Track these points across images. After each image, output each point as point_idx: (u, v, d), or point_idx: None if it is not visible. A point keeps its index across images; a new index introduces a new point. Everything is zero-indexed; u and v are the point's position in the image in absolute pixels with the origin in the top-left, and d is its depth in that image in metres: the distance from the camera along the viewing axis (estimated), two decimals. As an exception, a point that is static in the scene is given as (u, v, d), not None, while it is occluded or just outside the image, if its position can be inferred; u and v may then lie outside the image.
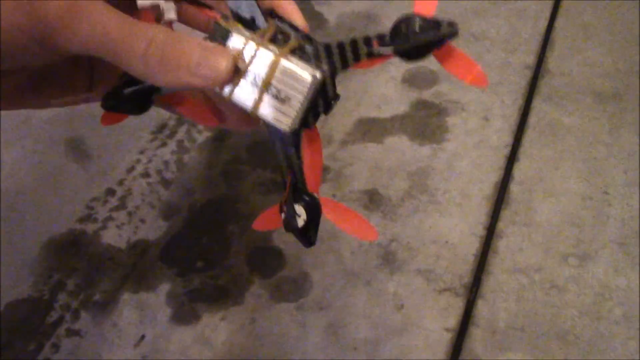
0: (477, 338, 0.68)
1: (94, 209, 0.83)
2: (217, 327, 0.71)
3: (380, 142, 0.86)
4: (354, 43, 0.35)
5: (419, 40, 0.34)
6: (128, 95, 0.36)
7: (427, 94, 0.91)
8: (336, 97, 0.36)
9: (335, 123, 0.89)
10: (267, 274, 0.75)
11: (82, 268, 0.77)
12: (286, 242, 0.77)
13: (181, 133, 0.90)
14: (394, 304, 0.71)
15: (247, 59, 0.34)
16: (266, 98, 0.34)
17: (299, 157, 0.38)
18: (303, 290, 0.73)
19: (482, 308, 0.70)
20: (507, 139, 0.85)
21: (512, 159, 0.83)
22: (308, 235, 0.39)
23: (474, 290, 0.72)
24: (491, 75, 0.92)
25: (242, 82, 0.34)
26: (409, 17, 0.34)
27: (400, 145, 0.86)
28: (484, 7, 1.02)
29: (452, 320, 0.70)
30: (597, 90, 0.90)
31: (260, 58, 0.34)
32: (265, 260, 0.76)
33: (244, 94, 0.34)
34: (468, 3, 1.02)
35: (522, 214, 0.78)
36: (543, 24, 0.99)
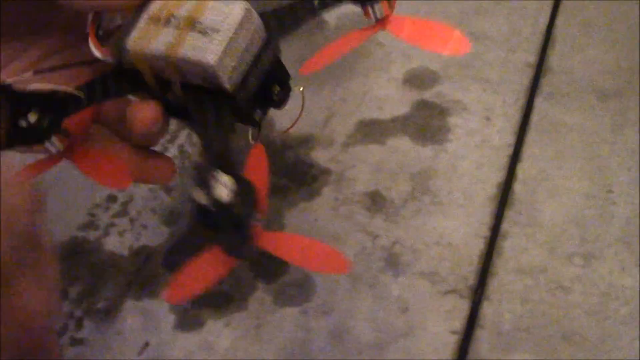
0: (483, 340, 0.68)
1: (95, 216, 0.82)
2: (221, 333, 0.71)
3: (382, 143, 0.86)
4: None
5: None
6: (25, 127, 0.32)
7: (428, 94, 0.91)
8: (287, 80, 0.33)
9: (337, 125, 0.88)
10: (271, 279, 0.75)
11: (85, 276, 0.77)
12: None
13: (182, 137, 0.90)
14: (398, 307, 0.71)
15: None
16: (188, 37, 0.30)
17: (227, 145, 0.32)
18: (307, 294, 0.73)
19: (487, 310, 0.70)
20: (510, 138, 0.85)
21: (514, 158, 0.82)
22: (240, 219, 0.30)
23: (478, 291, 0.71)
24: (492, 74, 0.92)
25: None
26: None
27: (402, 147, 0.85)
28: (484, 6, 1.01)
29: (458, 323, 0.69)
30: (599, 88, 0.89)
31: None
32: (269, 264, 0.76)
33: (161, 37, 0.31)
34: (468, 2, 1.02)
35: (526, 214, 0.77)
36: (544, 21, 0.98)
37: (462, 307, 0.70)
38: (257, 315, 0.72)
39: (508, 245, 0.74)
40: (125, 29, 0.32)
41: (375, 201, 0.80)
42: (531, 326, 0.68)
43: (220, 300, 0.73)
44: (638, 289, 0.70)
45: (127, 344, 0.71)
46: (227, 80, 0.30)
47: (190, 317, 0.73)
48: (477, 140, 0.85)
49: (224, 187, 0.29)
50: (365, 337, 0.69)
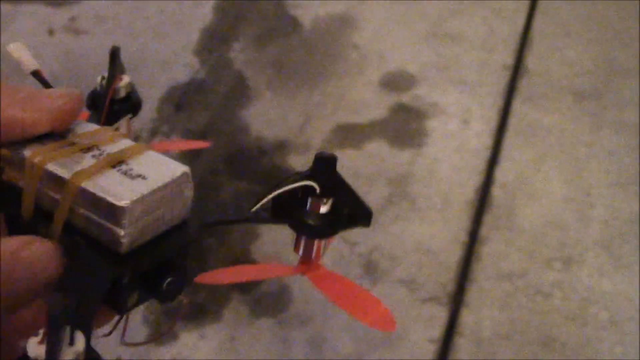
0: (462, 348, 0.67)
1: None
2: (196, 346, 0.69)
3: (359, 148, 0.85)
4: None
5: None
6: None
7: (405, 98, 0.90)
8: (183, 277, 0.26)
9: (313, 130, 0.87)
10: (246, 289, 0.73)
11: (55, 289, 0.75)
12: (265, 255, 0.75)
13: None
14: (376, 316, 0.70)
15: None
16: (105, 171, 0.25)
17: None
18: (283, 304, 0.71)
19: (466, 317, 0.69)
20: (488, 141, 0.84)
21: (493, 162, 0.82)
22: None
23: (457, 298, 0.70)
24: (470, 76, 0.91)
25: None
26: None
27: (379, 151, 0.84)
28: (461, 7, 1.01)
29: (437, 331, 0.68)
30: (576, 89, 0.89)
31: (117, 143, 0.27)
32: (244, 274, 0.74)
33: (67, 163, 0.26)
34: (444, 3, 1.01)
35: (505, 218, 0.76)
36: (521, 22, 0.98)
37: (441, 314, 0.69)
38: (233, 327, 0.70)
39: (487, 251, 0.74)
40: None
41: (353, 207, 0.79)
42: (511, 333, 0.67)
43: (194, 312, 0.72)
44: (617, 294, 0.69)
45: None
46: (127, 235, 0.24)
47: (164, 330, 0.71)
48: (455, 144, 0.84)
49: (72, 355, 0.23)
50: (343, 348, 0.68)
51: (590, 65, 0.91)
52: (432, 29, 0.97)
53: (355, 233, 0.76)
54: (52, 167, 0.25)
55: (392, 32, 0.98)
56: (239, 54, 0.98)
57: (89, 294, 0.24)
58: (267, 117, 0.90)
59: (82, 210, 0.25)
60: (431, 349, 0.67)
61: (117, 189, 0.24)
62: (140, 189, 0.25)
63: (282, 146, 0.86)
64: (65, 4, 1.06)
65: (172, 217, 0.26)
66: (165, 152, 0.28)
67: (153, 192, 0.25)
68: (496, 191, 0.79)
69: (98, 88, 0.37)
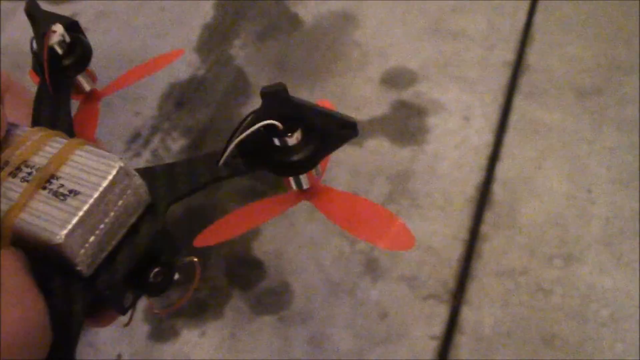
0: (463, 345, 0.67)
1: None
2: (197, 343, 0.69)
3: (359, 145, 0.85)
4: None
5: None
6: None
7: (406, 94, 0.89)
8: (173, 258, 0.25)
9: (314, 127, 0.87)
10: (247, 287, 0.73)
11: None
12: (266, 252, 0.75)
13: (155, 142, 0.88)
14: (377, 313, 0.70)
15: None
16: (36, 196, 0.23)
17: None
18: (284, 301, 0.71)
19: (467, 314, 0.69)
20: (488, 138, 0.84)
21: (494, 159, 0.82)
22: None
23: (458, 296, 0.70)
24: (470, 73, 0.91)
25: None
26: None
27: (379, 148, 0.84)
28: (462, 3, 1.00)
29: (437, 328, 0.68)
30: (578, 86, 0.88)
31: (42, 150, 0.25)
32: (245, 271, 0.74)
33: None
34: (445, 0, 1.01)
35: (506, 215, 0.76)
36: (522, 19, 0.97)
37: (442, 312, 0.69)
38: (234, 324, 0.70)
39: (488, 248, 0.73)
40: None
41: (354, 204, 0.79)
42: (511, 330, 0.67)
43: (195, 309, 0.72)
44: (618, 291, 0.69)
45: (99, 356, 0.69)
46: (81, 261, 0.23)
47: (164, 327, 0.71)
48: (456, 141, 0.84)
49: None
50: (344, 344, 0.68)
51: (591, 62, 0.91)
52: (433, 25, 0.97)
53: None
54: None
55: (393, 29, 0.98)
56: (239, 50, 0.98)
57: (70, 317, 0.23)
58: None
59: (29, 245, 0.23)
60: (432, 346, 0.67)
61: (49, 220, 0.22)
62: (74, 211, 0.23)
63: (282, 143, 0.85)
64: (66, 0, 1.06)
65: (129, 213, 0.24)
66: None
67: (89, 208, 0.23)
68: (497, 188, 0.79)
69: (35, 50, 0.32)
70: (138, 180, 0.25)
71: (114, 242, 0.24)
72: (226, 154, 0.27)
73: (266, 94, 0.26)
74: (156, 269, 0.26)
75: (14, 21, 1.04)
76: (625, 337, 0.66)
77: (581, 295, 0.69)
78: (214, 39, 1.00)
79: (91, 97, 0.35)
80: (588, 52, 0.92)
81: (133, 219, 0.25)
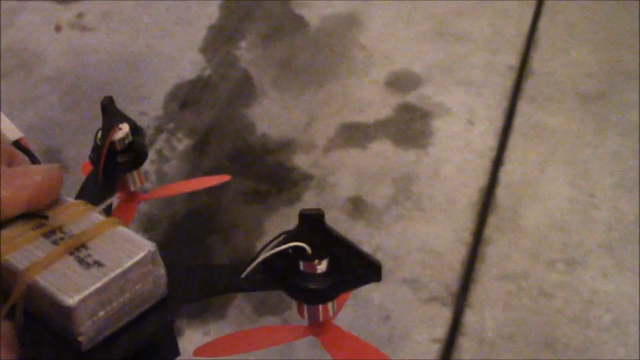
0: (465, 349, 0.67)
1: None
2: (200, 343, 0.70)
3: (363, 147, 0.85)
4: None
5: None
6: None
7: (410, 97, 0.90)
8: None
9: (318, 129, 0.87)
10: (251, 287, 0.73)
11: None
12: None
13: (160, 142, 0.88)
14: (379, 315, 0.70)
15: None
16: (61, 259, 0.24)
17: None
18: (287, 303, 0.72)
19: (469, 317, 0.69)
20: (492, 142, 0.84)
21: (497, 163, 0.82)
22: None
23: (461, 299, 0.70)
24: (475, 76, 0.91)
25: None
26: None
27: (384, 151, 0.84)
28: (466, 7, 1.01)
29: (440, 331, 0.69)
30: (581, 91, 0.89)
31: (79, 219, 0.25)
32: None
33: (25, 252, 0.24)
34: (450, 3, 1.01)
35: (509, 219, 0.76)
36: (526, 23, 0.98)
37: (445, 314, 0.69)
38: (237, 324, 0.71)
39: (491, 252, 0.74)
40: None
41: (357, 206, 0.79)
42: (514, 334, 0.68)
43: (199, 309, 0.72)
44: (620, 296, 0.69)
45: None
46: (85, 332, 0.22)
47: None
48: (459, 144, 0.84)
49: None
50: (346, 346, 0.68)
51: (595, 67, 0.91)
52: (437, 29, 0.97)
53: (359, 232, 0.76)
54: (9, 261, 0.24)
55: (398, 32, 0.98)
56: (244, 52, 0.98)
57: None
58: (272, 115, 0.90)
59: (39, 304, 0.23)
60: (434, 349, 0.67)
61: (68, 283, 0.22)
62: (93, 281, 0.23)
63: (287, 145, 0.86)
64: (72, 0, 1.06)
65: (143, 299, 0.24)
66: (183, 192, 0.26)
67: (109, 281, 0.23)
68: (500, 192, 0.79)
69: (98, 142, 0.34)
70: (162, 270, 0.25)
71: (120, 325, 0.24)
72: (251, 267, 0.27)
73: (304, 217, 0.26)
74: None
75: (18, 21, 1.04)
76: (628, 341, 0.66)
77: (583, 299, 0.70)
78: (219, 40, 1.00)
79: (132, 198, 0.36)
80: (592, 57, 0.93)
81: (145, 307, 0.25)
